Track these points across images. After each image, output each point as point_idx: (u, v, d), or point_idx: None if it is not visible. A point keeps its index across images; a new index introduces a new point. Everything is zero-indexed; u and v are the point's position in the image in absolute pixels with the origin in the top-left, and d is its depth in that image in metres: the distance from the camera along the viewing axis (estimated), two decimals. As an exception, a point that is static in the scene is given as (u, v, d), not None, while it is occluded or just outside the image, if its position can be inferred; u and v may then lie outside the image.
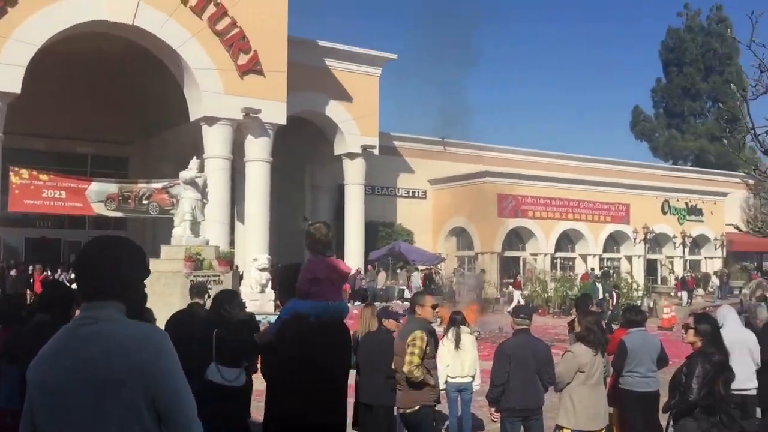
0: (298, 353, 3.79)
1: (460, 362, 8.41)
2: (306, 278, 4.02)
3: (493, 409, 6.69)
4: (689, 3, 53.66)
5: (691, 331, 5.54)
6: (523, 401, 6.48)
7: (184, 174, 17.36)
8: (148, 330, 2.41)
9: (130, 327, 2.37)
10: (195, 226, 17.30)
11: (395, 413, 6.87)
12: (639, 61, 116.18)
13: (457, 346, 8.44)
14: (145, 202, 26.40)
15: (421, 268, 31.23)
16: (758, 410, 7.76)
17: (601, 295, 24.49)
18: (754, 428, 7.54)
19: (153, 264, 16.54)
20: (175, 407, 2.32)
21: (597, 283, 25.57)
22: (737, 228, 30.11)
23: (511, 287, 30.41)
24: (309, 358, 3.73)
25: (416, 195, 37.19)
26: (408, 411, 6.24)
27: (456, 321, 8.74)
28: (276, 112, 26.10)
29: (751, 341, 7.38)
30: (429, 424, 6.30)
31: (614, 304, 23.89)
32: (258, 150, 26.43)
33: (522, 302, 27.70)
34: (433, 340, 6.52)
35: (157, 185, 26.64)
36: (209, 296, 7.13)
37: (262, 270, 22.79)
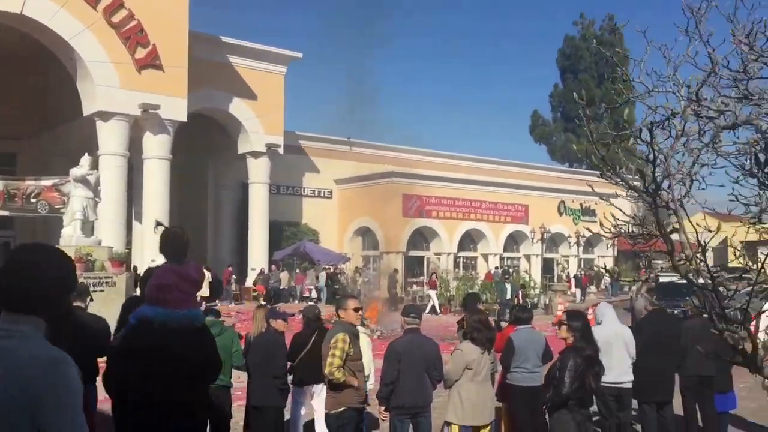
0: (139, 360, 3.68)
1: (356, 362, 8.43)
2: (152, 284, 3.92)
3: (382, 408, 6.76)
4: (584, 12, 56.18)
5: (564, 327, 5.78)
6: (412, 399, 6.58)
7: (75, 171, 16.66)
8: (55, 356, 2.22)
9: (38, 349, 2.20)
10: (86, 226, 16.63)
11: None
12: (540, 66, 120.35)
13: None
14: (33, 200, 25.08)
15: (325, 267, 31.19)
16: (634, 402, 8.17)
17: (509, 295, 25.24)
18: (629, 419, 7.95)
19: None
20: (60, 429, 2.15)
21: (506, 283, 26.30)
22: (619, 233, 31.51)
23: (426, 287, 30.84)
24: (149, 365, 3.63)
25: (322, 194, 37.13)
26: (332, 413, 6.21)
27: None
28: (176, 109, 25.41)
29: (627, 336, 7.76)
30: (351, 427, 6.27)
31: (521, 301, 24.64)
32: (157, 147, 25.66)
33: (436, 302, 28.22)
34: (358, 342, 6.51)
35: (47, 183, 25.36)
36: (92, 299, 6.86)
37: (161, 271, 22.11)
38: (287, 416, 7.69)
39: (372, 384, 8.49)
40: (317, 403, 8.29)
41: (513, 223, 39.29)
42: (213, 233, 34.14)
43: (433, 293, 28.72)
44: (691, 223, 2.47)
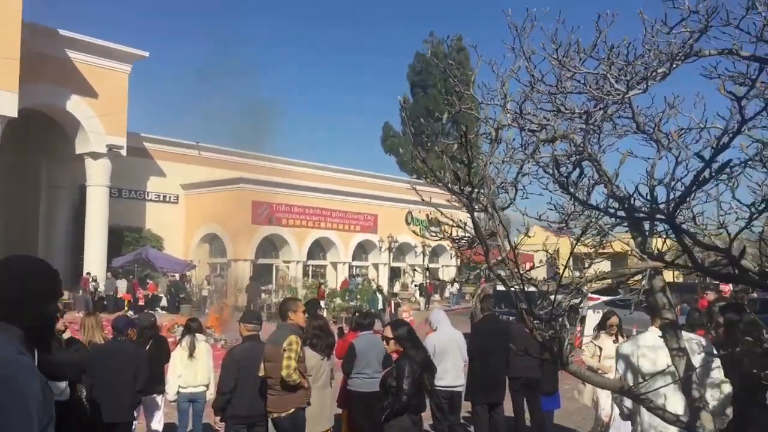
0: None
1: (194, 371, 8.15)
2: None
3: (218, 418, 6.58)
4: (434, 31, 58.26)
5: (392, 342, 5.86)
6: (250, 408, 6.44)
7: None
8: (5, 356, 2.09)
9: None
10: None
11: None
12: (392, 81, 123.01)
13: (191, 354, 8.16)
14: None
15: (170, 275, 30.02)
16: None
17: (381, 305, 25.50)
18: (458, 420, 8.26)
19: None
20: None
21: (378, 293, 26.56)
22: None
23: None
24: None
25: (168, 199, 35.75)
26: (283, 415, 6.08)
27: (191, 328, 8.45)
28: (6, 103, 23.51)
29: (461, 341, 8.08)
30: (302, 426, 6.21)
31: (392, 312, 25.00)
32: (-19, 143, 23.60)
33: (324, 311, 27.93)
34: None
35: None
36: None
37: (-18, 278, 20.28)
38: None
39: (212, 394, 8.25)
40: (155, 416, 7.94)
41: (362, 232, 39.84)
42: (45, 237, 31.85)
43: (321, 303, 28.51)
44: (504, 226, 2.59)
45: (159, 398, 8.01)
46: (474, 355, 8.09)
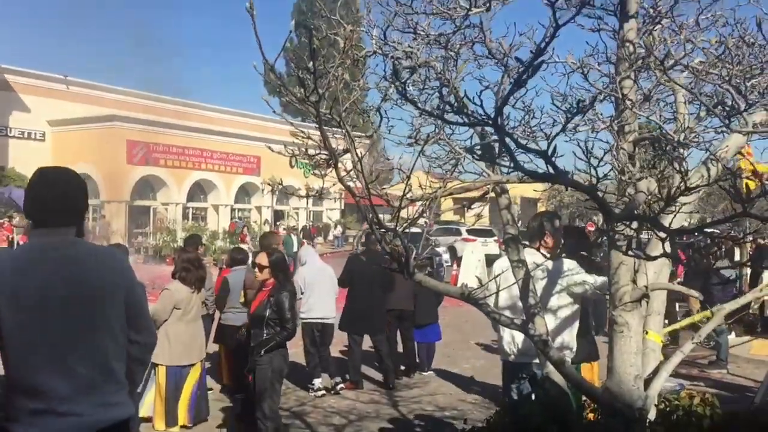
0: None
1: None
2: None
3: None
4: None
5: (266, 270, 5.86)
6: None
7: None
8: (113, 250, 3.11)
9: (101, 248, 2.94)
10: None
11: None
12: (274, 19, 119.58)
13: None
14: None
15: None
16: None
17: (295, 248, 25.08)
18: (328, 353, 8.48)
19: None
20: (142, 314, 2.86)
21: (292, 236, 26.13)
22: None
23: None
24: None
25: (33, 137, 33.51)
26: None
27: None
28: None
29: (330, 273, 8.26)
30: None
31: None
32: None
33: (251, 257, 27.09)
34: None
35: None
36: None
37: None
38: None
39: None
40: None
41: (245, 175, 39.16)
42: None
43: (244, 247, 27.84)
44: (352, 138, 2.64)
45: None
46: (348, 285, 8.27)
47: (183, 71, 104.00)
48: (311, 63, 2.24)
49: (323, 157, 2.75)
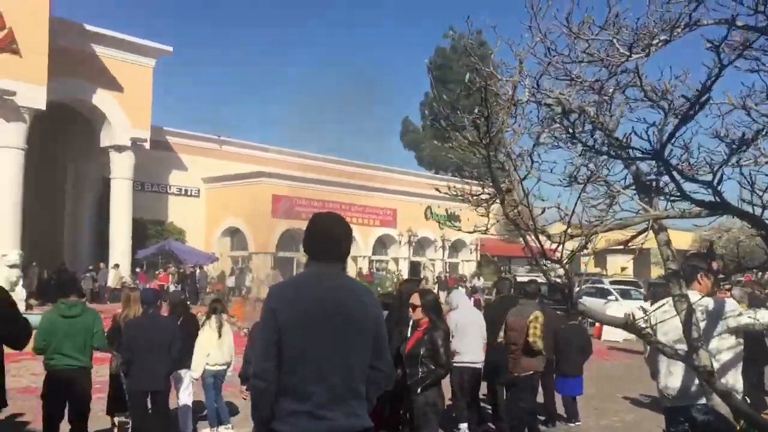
0: None
1: (221, 350, 8.46)
2: None
3: (245, 387, 6.87)
4: (454, 25, 58.27)
5: (419, 309, 6.03)
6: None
7: None
8: (368, 287, 3.49)
9: (359, 283, 3.46)
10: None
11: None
12: (412, 75, 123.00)
13: (219, 333, 8.47)
14: None
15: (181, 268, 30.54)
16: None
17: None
18: (477, 399, 8.50)
19: None
20: (385, 346, 3.22)
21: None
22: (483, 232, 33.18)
23: None
24: None
25: (189, 193, 36.26)
26: (523, 375, 7.48)
27: (216, 309, 8.75)
28: (34, 96, 24.04)
29: (480, 319, 8.32)
30: (536, 388, 7.87)
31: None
32: (11, 136, 24.16)
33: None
34: None
35: None
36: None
37: (12, 267, 20.85)
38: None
39: (232, 371, 8.58)
40: (185, 390, 8.24)
41: (382, 227, 40.11)
42: (71, 229, 32.47)
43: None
44: (524, 188, 2.82)
45: (186, 373, 8.32)
46: (489, 334, 8.31)
47: (326, 130, 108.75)
48: (485, 106, 2.45)
49: (484, 196, 2.95)
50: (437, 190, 2.94)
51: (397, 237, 40.24)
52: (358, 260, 39.02)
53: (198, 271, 30.77)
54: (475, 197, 2.89)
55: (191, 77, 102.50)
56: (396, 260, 41.35)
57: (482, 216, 2.79)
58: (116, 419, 7.88)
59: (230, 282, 31.63)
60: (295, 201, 35.44)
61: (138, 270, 29.79)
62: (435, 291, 35.80)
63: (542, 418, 9.20)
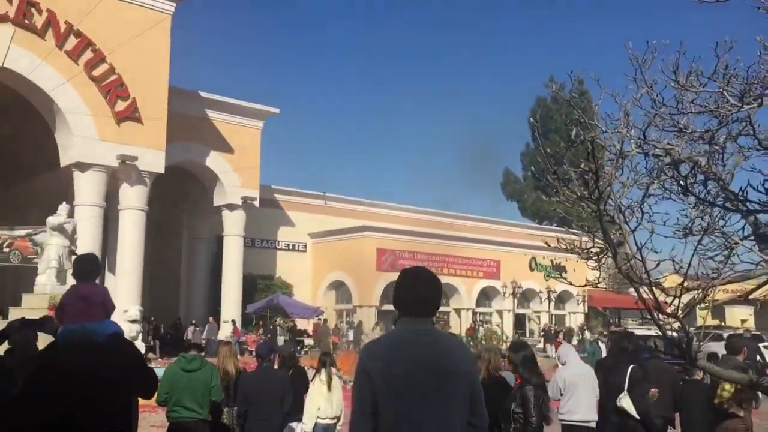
0: (44, 380, 3.79)
1: (331, 403, 8.55)
2: (62, 301, 4.17)
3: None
4: (554, 75, 58.04)
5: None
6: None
7: (52, 220, 16.77)
8: (462, 342, 3.87)
9: (453, 338, 3.66)
10: (61, 274, 16.66)
11: None
12: (510, 125, 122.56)
13: (329, 387, 8.57)
14: (6, 249, 24.96)
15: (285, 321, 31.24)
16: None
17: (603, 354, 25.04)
18: None
19: (13, 313, 15.83)
20: (480, 400, 3.17)
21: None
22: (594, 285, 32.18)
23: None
24: (52, 384, 3.74)
25: (296, 248, 37.31)
26: None
27: (326, 363, 8.88)
28: (154, 161, 25.67)
29: (592, 376, 8.03)
30: None
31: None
32: (133, 198, 25.79)
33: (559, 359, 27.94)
34: None
35: (20, 233, 25.27)
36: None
37: (133, 322, 21.97)
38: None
39: (342, 425, 8.63)
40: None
41: (485, 278, 39.69)
42: (186, 285, 34.01)
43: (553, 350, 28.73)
44: (636, 241, 2.81)
45: (297, 426, 8.46)
46: (603, 392, 8.00)
47: (418, 183, 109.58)
48: (593, 161, 2.48)
49: (594, 249, 2.94)
50: (546, 243, 2.94)
51: (500, 289, 39.67)
52: (462, 313, 38.66)
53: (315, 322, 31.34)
54: (585, 250, 2.88)
55: (297, 135, 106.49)
56: (500, 312, 40.67)
57: (593, 270, 2.78)
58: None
59: (350, 336, 31.99)
60: (399, 254, 35.74)
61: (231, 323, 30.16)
62: (541, 344, 34.86)
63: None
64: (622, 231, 2.69)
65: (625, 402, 7.38)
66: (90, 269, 4.34)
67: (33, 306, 15.51)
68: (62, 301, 4.11)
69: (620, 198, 2.82)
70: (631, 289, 3.01)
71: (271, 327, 30.48)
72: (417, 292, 3.21)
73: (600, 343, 25.50)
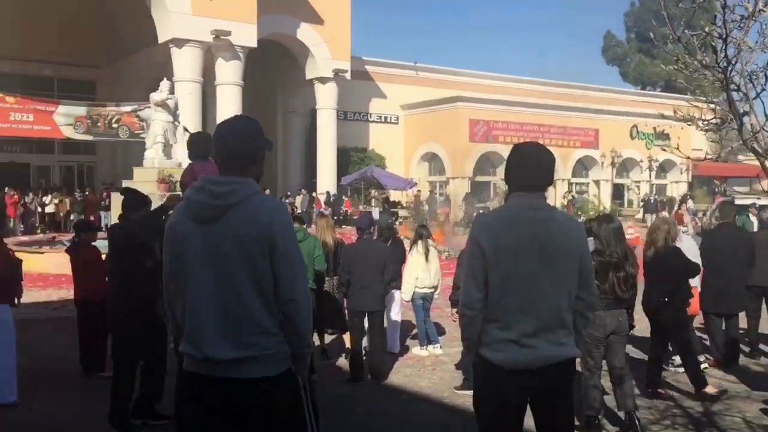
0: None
1: (428, 273, 8.75)
2: (182, 180, 4.32)
3: (455, 310, 7.10)
4: None
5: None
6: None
7: (155, 96, 17.28)
8: (574, 219, 3.52)
9: (568, 216, 3.57)
10: (167, 149, 17.36)
11: None
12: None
13: (426, 258, 8.74)
14: (114, 125, 26.12)
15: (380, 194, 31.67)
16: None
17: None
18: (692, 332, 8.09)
19: (126, 185, 16.80)
20: (591, 274, 3.26)
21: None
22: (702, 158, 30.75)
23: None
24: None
25: (389, 120, 37.24)
26: None
27: (423, 235, 9.00)
28: (246, 35, 25.74)
29: (693, 250, 7.86)
30: None
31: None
32: (229, 73, 26.19)
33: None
34: None
35: (127, 108, 26.33)
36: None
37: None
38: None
39: (439, 294, 8.87)
40: (394, 310, 8.72)
41: (582, 148, 38.64)
42: (282, 159, 34.86)
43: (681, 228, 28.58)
44: (765, 113, 2.62)
45: (396, 294, 8.76)
46: (706, 263, 7.82)
47: (512, 48, 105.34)
48: (723, 27, 2.28)
49: (714, 121, 2.77)
50: (662, 115, 2.77)
51: (598, 158, 38.58)
52: (557, 183, 38.06)
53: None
54: (706, 121, 2.71)
55: (387, 3, 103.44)
56: (597, 182, 39.80)
57: (712, 142, 2.62)
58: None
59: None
60: (492, 124, 35.13)
61: (314, 194, 30.65)
62: (640, 215, 34.15)
63: (747, 349, 8.61)
64: (748, 100, 2.50)
65: None
66: (204, 149, 4.53)
67: (144, 179, 16.37)
68: (182, 180, 4.33)
69: (747, 65, 2.60)
70: (740, 156, 2.84)
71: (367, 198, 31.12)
72: (530, 167, 3.18)
73: (750, 215, 24.58)
